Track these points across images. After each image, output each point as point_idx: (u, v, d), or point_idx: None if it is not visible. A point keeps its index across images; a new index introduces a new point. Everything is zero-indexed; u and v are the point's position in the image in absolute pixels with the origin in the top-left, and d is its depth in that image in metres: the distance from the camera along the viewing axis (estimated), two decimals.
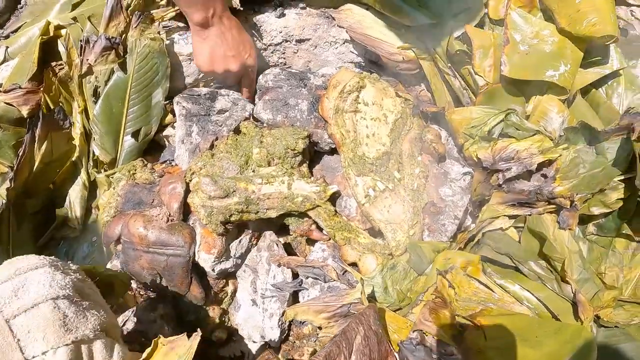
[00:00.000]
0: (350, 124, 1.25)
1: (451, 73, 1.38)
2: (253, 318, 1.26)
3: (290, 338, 1.28)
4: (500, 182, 1.29)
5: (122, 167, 1.37)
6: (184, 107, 1.32)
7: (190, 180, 1.24)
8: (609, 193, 1.25)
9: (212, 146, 1.28)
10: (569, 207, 1.26)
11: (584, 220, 1.29)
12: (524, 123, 1.29)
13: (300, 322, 1.25)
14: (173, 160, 1.39)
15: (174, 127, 1.47)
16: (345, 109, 1.25)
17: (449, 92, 1.43)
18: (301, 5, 1.48)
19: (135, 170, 1.35)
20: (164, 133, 1.47)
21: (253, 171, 1.22)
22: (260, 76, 1.38)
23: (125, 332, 1.26)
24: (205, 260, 1.21)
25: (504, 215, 1.30)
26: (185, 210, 1.25)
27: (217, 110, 1.33)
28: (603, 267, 1.27)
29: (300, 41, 1.54)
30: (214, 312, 1.29)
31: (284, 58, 1.58)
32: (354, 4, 1.40)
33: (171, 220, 1.23)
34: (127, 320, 1.27)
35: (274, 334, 1.24)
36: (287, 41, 1.53)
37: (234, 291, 1.30)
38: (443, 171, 1.33)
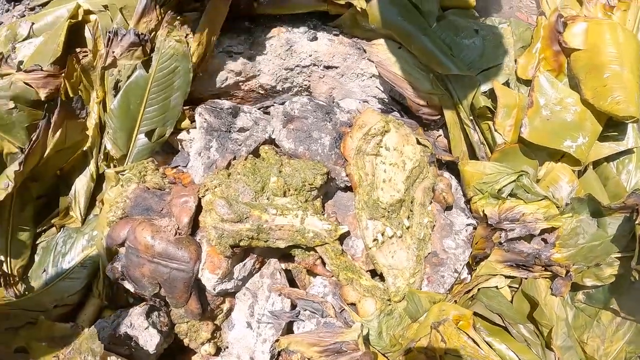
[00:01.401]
0: (370, 167, 1.26)
1: (471, 126, 1.40)
2: (245, 339, 1.28)
3: None
4: (502, 241, 1.32)
5: (133, 166, 1.36)
6: (205, 119, 1.31)
7: (204, 196, 1.24)
8: (603, 267, 1.29)
9: (229, 165, 1.28)
10: (564, 275, 1.30)
11: (575, 287, 1.33)
12: (534, 187, 1.32)
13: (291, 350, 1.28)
14: (185, 166, 1.38)
15: (189, 132, 1.46)
16: (367, 152, 1.26)
17: (466, 143, 1.44)
18: (334, 32, 1.47)
19: (146, 172, 1.34)
20: (179, 137, 1.46)
21: (268, 199, 1.23)
22: (287, 102, 1.38)
23: (116, 335, 1.27)
24: (209, 279, 1.22)
25: (501, 274, 1.34)
26: (194, 225, 1.26)
27: (238, 127, 1.33)
28: (586, 336, 1.32)
29: (328, 67, 1.53)
30: (207, 327, 1.31)
31: (309, 81, 1.58)
32: (388, 40, 1.40)
33: (179, 234, 1.23)
34: (120, 325, 1.28)
35: (263, 359, 1.26)
36: (315, 65, 1.52)
37: (230, 309, 1.32)
38: (449, 221, 1.35)
